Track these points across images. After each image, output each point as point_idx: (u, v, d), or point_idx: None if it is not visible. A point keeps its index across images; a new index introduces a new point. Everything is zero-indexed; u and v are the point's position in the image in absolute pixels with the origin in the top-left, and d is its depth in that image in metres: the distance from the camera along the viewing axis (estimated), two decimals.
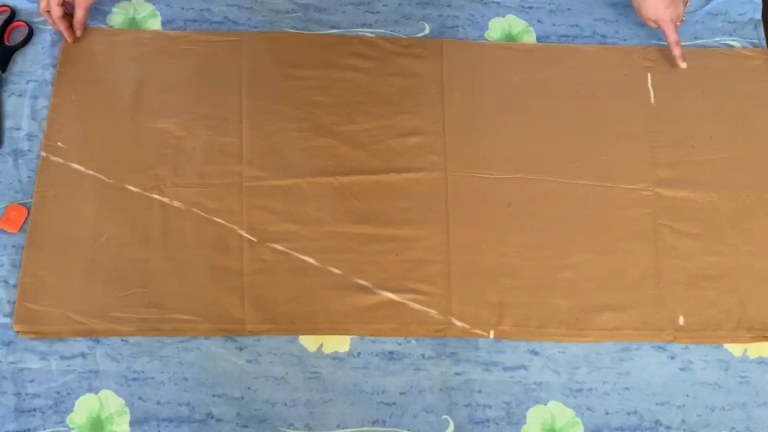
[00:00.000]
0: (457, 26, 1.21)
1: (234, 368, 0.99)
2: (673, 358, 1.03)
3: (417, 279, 1.03)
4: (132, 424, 0.96)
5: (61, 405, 0.96)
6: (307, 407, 0.98)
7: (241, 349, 1.00)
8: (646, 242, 1.07)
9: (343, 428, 0.97)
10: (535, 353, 1.02)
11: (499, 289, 1.04)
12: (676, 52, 1.15)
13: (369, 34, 1.19)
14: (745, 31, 1.23)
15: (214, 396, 0.97)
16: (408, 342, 1.02)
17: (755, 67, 1.20)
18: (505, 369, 1.01)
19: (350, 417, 0.98)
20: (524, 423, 0.99)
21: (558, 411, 1.00)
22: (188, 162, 1.07)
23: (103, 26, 1.16)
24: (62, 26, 1.10)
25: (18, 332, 0.98)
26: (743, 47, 1.22)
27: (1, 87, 1.09)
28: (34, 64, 1.12)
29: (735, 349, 1.04)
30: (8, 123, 1.08)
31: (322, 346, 1.01)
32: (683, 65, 1.15)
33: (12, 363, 0.97)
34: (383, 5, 1.21)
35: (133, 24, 1.16)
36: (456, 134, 1.12)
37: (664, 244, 1.07)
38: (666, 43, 1.16)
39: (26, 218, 1.03)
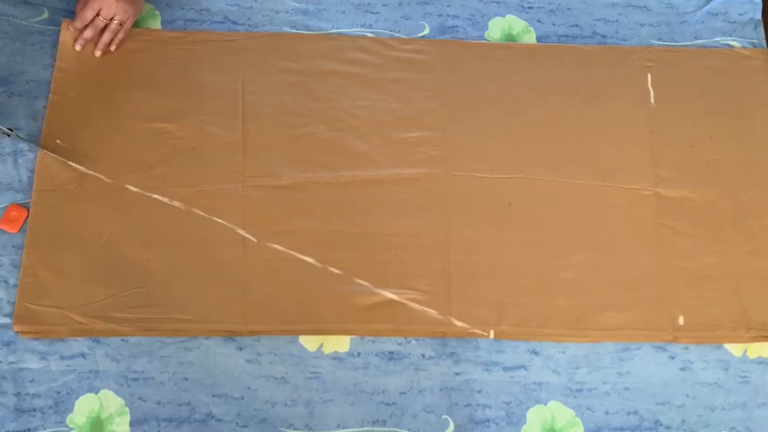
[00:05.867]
0: (457, 26, 1.21)
1: (234, 368, 0.99)
2: (673, 358, 1.03)
3: (417, 279, 1.03)
4: (132, 424, 0.96)
5: (61, 405, 0.96)
6: (307, 407, 0.98)
7: (241, 349, 1.00)
8: (646, 242, 1.07)
9: (343, 428, 0.97)
10: (535, 353, 1.02)
11: (499, 289, 1.04)
12: None
13: (369, 34, 1.19)
14: (745, 31, 1.23)
15: (214, 396, 0.97)
16: (408, 342, 1.02)
17: (755, 67, 1.20)
18: (505, 369, 1.01)
19: (350, 417, 0.98)
20: (524, 423, 0.99)
21: (558, 411, 1.00)
22: (188, 162, 1.07)
23: None
24: (90, 35, 1.11)
25: (18, 332, 0.98)
26: (743, 47, 1.22)
27: None
28: (34, 64, 1.12)
29: (735, 349, 1.04)
30: (8, 123, 1.08)
31: (322, 346, 1.01)
32: None
33: (12, 363, 0.97)
34: (383, 5, 1.21)
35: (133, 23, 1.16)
36: (456, 134, 1.12)
37: (664, 244, 1.07)
38: (666, 43, 1.17)
39: (26, 218, 1.03)
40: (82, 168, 1.05)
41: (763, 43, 1.22)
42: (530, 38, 1.21)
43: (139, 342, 0.99)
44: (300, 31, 1.18)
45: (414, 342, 1.02)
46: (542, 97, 1.15)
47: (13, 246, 1.02)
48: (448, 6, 1.22)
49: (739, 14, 1.24)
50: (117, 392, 0.97)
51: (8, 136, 1.02)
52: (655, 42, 1.21)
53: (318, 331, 1.01)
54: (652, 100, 1.16)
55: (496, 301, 1.03)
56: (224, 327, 1.00)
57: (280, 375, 0.99)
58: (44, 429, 0.95)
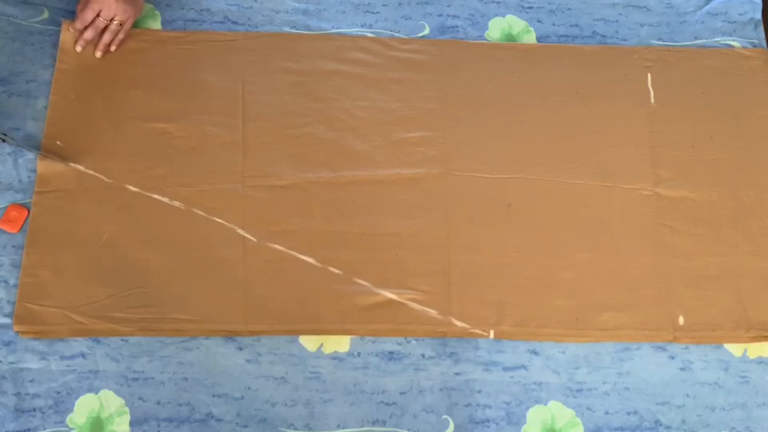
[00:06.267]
0: (457, 26, 1.21)
1: (234, 368, 0.99)
2: (673, 358, 1.03)
3: (417, 279, 1.03)
4: (132, 424, 0.96)
5: (61, 405, 0.96)
6: (307, 407, 0.98)
7: (241, 349, 1.00)
8: (646, 242, 1.07)
9: (343, 428, 0.97)
10: (535, 353, 1.02)
11: (499, 289, 1.04)
12: None
13: (369, 34, 1.19)
14: (745, 31, 1.23)
15: (214, 396, 0.97)
16: (408, 342, 1.02)
17: (755, 67, 1.20)
18: (505, 369, 1.01)
19: (350, 417, 0.98)
20: (524, 423, 0.99)
21: (558, 411, 1.00)
22: (188, 162, 1.07)
23: None
24: (90, 36, 1.11)
25: (18, 332, 0.98)
26: (743, 47, 1.22)
27: None
28: (34, 64, 1.12)
29: (735, 349, 1.04)
30: (8, 123, 1.08)
31: (322, 346, 1.01)
32: None
33: (12, 363, 0.97)
34: (383, 5, 1.21)
35: (133, 24, 1.16)
36: (456, 134, 1.12)
37: (664, 244, 1.07)
38: (666, 43, 1.17)
39: (26, 218, 1.03)
40: (82, 168, 1.05)
41: (763, 43, 1.22)
42: (530, 38, 1.21)
43: (139, 342, 0.99)
44: (300, 31, 1.18)
45: (414, 342, 1.02)
46: (542, 97, 1.15)
47: (13, 246, 1.02)
48: (448, 6, 1.22)
49: (739, 14, 1.24)
50: (117, 392, 0.97)
51: (3, 141, 1.02)
52: (655, 42, 1.21)
53: (318, 331, 1.01)
54: (652, 100, 1.16)
55: (496, 301, 1.03)
56: (224, 327, 1.00)
57: (280, 375, 0.99)
58: (44, 429, 0.95)
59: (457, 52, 1.18)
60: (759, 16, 1.24)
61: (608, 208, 1.09)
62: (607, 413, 1.00)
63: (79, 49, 1.11)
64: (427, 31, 1.20)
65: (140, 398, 0.97)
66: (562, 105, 1.15)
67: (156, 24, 1.17)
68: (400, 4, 1.21)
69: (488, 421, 0.99)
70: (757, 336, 1.03)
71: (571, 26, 1.22)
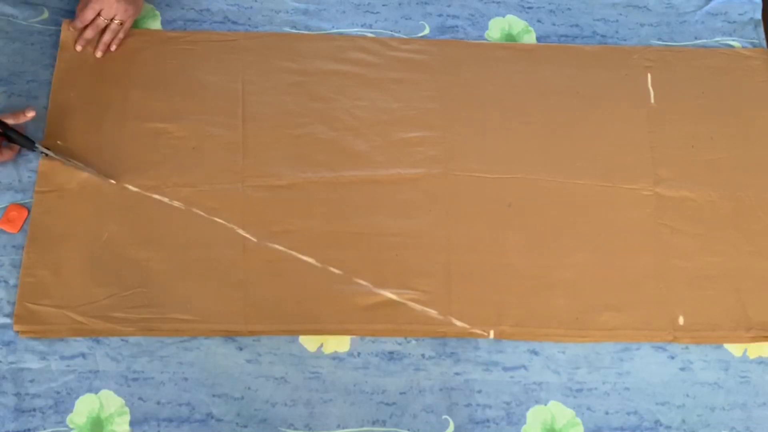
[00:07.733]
0: (457, 26, 1.21)
1: (234, 368, 0.99)
2: (673, 358, 1.03)
3: (417, 279, 1.03)
4: (132, 424, 0.96)
5: (61, 405, 0.96)
6: (307, 407, 0.98)
7: (241, 349, 1.00)
8: (646, 242, 1.07)
9: (343, 428, 0.98)
10: (535, 353, 1.02)
11: (499, 289, 1.04)
12: None
13: (369, 34, 1.19)
14: (745, 31, 1.23)
15: (214, 396, 0.97)
16: (408, 342, 1.02)
17: (755, 67, 1.20)
18: (505, 369, 1.01)
19: (350, 417, 0.98)
20: (524, 423, 0.99)
21: (558, 411, 1.00)
22: (188, 162, 1.07)
23: None
24: (90, 36, 1.11)
25: (18, 332, 0.98)
26: (743, 47, 1.22)
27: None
28: (34, 64, 1.12)
29: (735, 349, 1.04)
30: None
31: (322, 346, 1.01)
32: None
33: (12, 363, 0.97)
34: (383, 5, 1.21)
35: (133, 24, 1.16)
36: (456, 134, 1.12)
37: (664, 244, 1.07)
38: (666, 43, 1.17)
39: (26, 218, 1.03)
40: (82, 168, 1.05)
41: (763, 43, 1.23)
42: (530, 38, 1.21)
43: (139, 342, 0.99)
44: (300, 31, 1.18)
45: (414, 342, 1.02)
46: (542, 97, 1.15)
47: (13, 246, 1.02)
48: (448, 6, 1.22)
49: (739, 14, 1.24)
50: (117, 392, 0.97)
51: (46, 155, 1.03)
52: (655, 42, 1.21)
53: (318, 331, 1.01)
54: (652, 100, 1.16)
55: (496, 301, 1.03)
56: (224, 327, 1.00)
57: (280, 375, 0.99)
58: (44, 429, 0.95)
59: (457, 52, 1.18)
60: (759, 16, 1.25)
61: (608, 208, 1.09)
62: (607, 413, 1.00)
63: (79, 48, 1.11)
64: (427, 31, 1.20)
65: (140, 398, 0.97)
66: (562, 105, 1.15)
67: (156, 24, 1.17)
68: (400, 4, 1.21)
69: (488, 421, 0.99)
70: (757, 336, 1.03)
71: (571, 26, 1.22)
